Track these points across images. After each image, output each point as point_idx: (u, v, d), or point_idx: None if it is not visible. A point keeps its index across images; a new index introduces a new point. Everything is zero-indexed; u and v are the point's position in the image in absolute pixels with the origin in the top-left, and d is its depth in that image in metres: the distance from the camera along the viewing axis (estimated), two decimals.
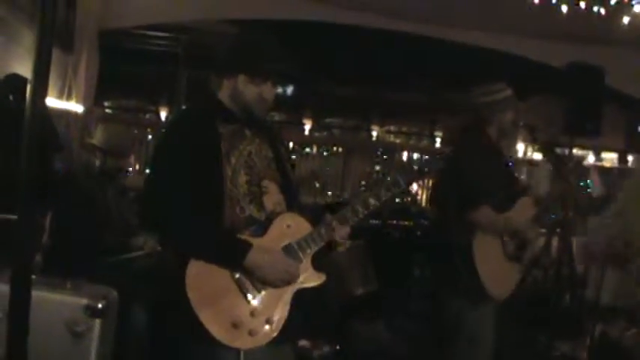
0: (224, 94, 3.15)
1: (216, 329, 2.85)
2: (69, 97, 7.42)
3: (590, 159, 14.73)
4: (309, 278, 3.06)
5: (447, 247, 4.43)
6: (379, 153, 11.90)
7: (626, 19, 7.21)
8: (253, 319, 2.92)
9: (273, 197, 3.11)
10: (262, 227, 3.02)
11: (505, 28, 8.25)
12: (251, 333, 2.90)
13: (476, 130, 4.57)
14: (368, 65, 12.39)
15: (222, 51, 3.20)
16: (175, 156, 2.98)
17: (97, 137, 5.45)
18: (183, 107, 4.75)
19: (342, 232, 3.13)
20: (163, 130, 3.36)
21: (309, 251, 3.07)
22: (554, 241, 6.80)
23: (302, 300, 3.06)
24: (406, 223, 7.42)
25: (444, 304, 4.53)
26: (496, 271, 4.32)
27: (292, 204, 3.18)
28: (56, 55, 5.87)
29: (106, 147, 5.32)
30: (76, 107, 7.50)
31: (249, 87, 3.08)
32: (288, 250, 3.02)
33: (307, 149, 11.62)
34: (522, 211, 4.47)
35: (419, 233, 7.38)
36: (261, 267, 2.92)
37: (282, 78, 3.23)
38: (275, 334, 2.95)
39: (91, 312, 4.04)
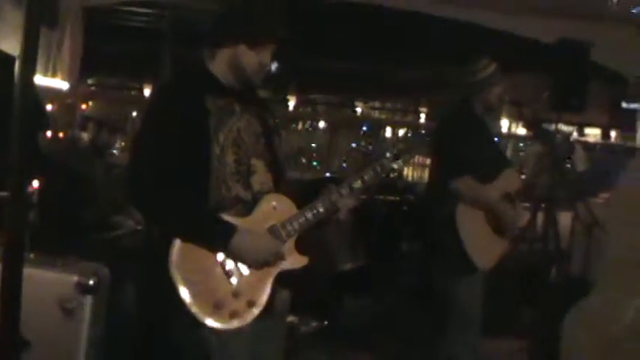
0: (217, 65, 3.08)
1: (198, 309, 2.85)
2: (54, 74, 7.38)
3: (574, 135, 14.78)
4: (291, 261, 3.04)
5: (432, 219, 4.48)
6: (364, 129, 11.93)
7: None
8: (235, 300, 2.91)
9: (260, 176, 3.07)
10: (248, 207, 3.00)
11: (492, 4, 8.24)
12: (232, 314, 2.89)
13: (461, 105, 4.60)
14: (354, 41, 12.35)
15: (221, 19, 3.14)
16: (161, 132, 2.94)
17: (92, 109, 5.47)
18: (169, 80, 4.67)
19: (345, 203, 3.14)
20: (148, 105, 3.28)
21: (293, 233, 3.04)
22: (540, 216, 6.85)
23: (289, 276, 3.05)
24: (393, 198, 7.45)
25: (432, 276, 4.59)
26: (481, 241, 4.37)
27: (279, 182, 3.16)
28: (41, 31, 5.83)
29: (101, 118, 5.32)
30: (60, 84, 7.47)
31: (249, 54, 3.02)
32: (272, 231, 3.00)
33: (292, 125, 11.62)
34: (506, 184, 4.51)
35: (406, 208, 7.42)
36: (245, 250, 2.91)
37: (286, 43, 3.13)
38: (256, 316, 2.94)
39: (82, 289, 4.04)
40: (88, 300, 4.05)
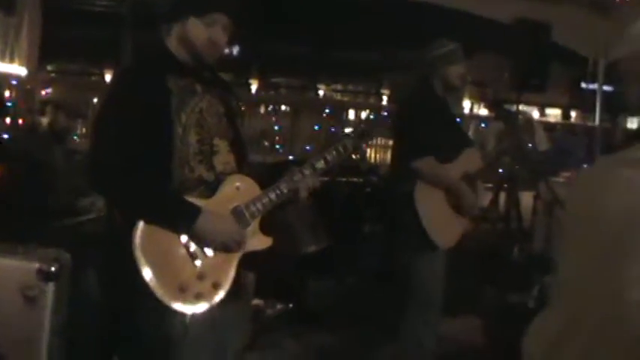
0: (173, 41, 3.07)
1: (163, 292, 2.83)
2: (12, 60, 7.29)
3: (535, 115, 14.92)
4: (256, 242, 3.04)
5: (393, 198, 4.50)
6: (327, 112, 11.93)
7: None
8: (200, 282, 2.89)
9: (223, 157, 3.06)
10: (211, 188, 2.99)
11: None
12: (198, 297, 2.88)
13: (422, 85, 4.62)
14: (315, 24, 12.36)
15: None
16: (122, 113, 2.91)
17: (51, 94, 5.43)
18: (130, 64, 4.65)
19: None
20: (109, 89, 3.25)
21: (257, 214, 3.04)
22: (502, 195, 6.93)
23: (253, 259, 3.05)
24: (355, 179, 7.44)
25: (393, 255, 4.61)
26: (440, 219, 4.38)
27: (242, 163, 3.15)
28: None
29: (59, 102, 5.29)
30: (19, 70, 7.39)
31: (199, 28, 3.00)
32: (236, 212, 3.00)
33: (255, 108, 11.59)
34: (467, 163, 4.53)
35: (369, 190, 7.42)
36: (210, 232, 2.89)
37: (234, 15, 3.10)
38: (222, 298, 2.93)
39: (44, 276, 4.00)
40: (50, 287, 4.02)
